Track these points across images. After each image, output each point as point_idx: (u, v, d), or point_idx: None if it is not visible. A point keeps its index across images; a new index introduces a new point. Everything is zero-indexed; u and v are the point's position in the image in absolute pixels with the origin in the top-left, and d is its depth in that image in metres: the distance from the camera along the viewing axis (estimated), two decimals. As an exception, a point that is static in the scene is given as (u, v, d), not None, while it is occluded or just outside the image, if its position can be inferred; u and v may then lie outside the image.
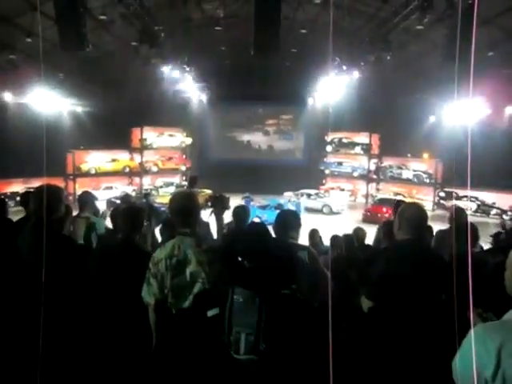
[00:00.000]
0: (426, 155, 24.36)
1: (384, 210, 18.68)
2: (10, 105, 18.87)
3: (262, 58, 14.22)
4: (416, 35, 14.90)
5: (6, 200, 4.92)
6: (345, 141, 26.85)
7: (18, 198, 17.81)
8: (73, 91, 19.98)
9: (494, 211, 21.07)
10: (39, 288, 2.39)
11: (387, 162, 25.42)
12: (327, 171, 27.06)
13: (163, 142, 26.57)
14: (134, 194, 21.33)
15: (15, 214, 4.72)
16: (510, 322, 1.29)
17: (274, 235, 3.05)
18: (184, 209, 2.60)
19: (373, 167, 25.88)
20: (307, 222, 3.41)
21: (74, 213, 4.61)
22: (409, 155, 24.74)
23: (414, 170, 24.31)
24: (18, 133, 17.79)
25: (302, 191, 23.08)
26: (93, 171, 23.99)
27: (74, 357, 2.55)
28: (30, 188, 15.56)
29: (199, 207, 2.73)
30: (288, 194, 22.85)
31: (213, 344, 2.39)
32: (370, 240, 5.57)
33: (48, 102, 20.52)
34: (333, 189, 26.30)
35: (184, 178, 26.96)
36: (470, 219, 14.95)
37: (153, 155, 26.45)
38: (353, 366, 2.46)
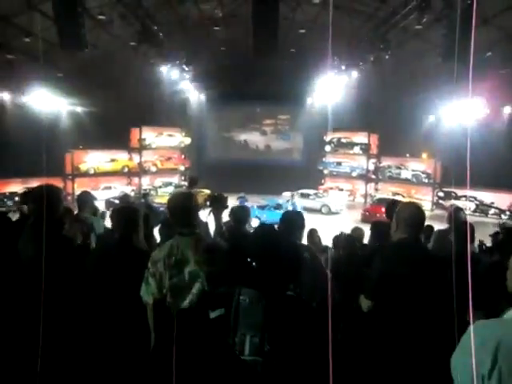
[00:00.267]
0: (424, 155, 24.38)
1: (383, 209, 18.52)
2: (8, 105, 18.84)
3: (260, 57, 14.25)
4: (415, 35, 14.94)
5: (5, 200, 4.90)
6: (343, 141, 26.86)
7: (17, 198, 17.94)
8: (71, 91, 19.97)
9: (492, 211, 21.12)
10: (38, 288, 2.40)
11: (386, 161, 25.44)
12: (326, 171, 27.08)
13: (162, 142, 26.56)
14: (132, 194, 21.33)
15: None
16: (509, 320, 1.29)
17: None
18: (183, 208, 2.60)
19: (371, 167, 25.90)
20: (306, 222, 3.42)
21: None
22: (407, 155, 24.76)
23: (413, 170, 24.33)
24: (16, 133, 17.78)
25: (301, 191, 23.08)
26: (92, 171, 23.97)
27: (72, 357, 2.55)
28: (28, 188, 15.57)
29: (198, 207, 2.74)
30: (287, 194, 22.85)
31: (213, 345, 2.39)
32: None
33: (47, 101, 20.51)
34: (331, 189, 26.31)
35: (183, 178, 26.96)
36: (469, 219, 14.98)
37: (152, 155, 26.44)
38: (352, 366, 2.47)
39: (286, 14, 16.16)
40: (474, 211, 21.24)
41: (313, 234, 6.13)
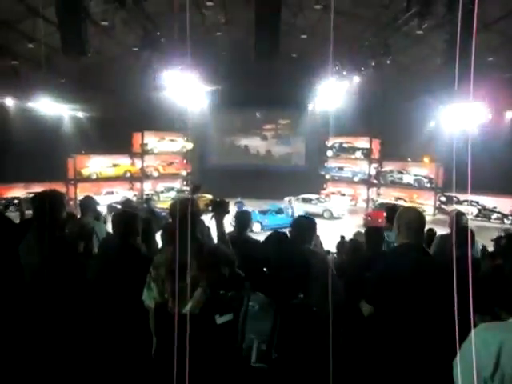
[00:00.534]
0: (426, 160, 24.35)
1: (385, 214, 18.63)
2: (11, 110, 18.93)
3: (262, 63, 14.29)
4: (416, 40, 14.97)
5: (8, 204, 4.93)
6: (345, 146, 26.88)
7: (16, 201, 17.93)
8: (74, 96, 20.06)
9: (494, 215, 21.06)
10: (40, 292, 2.40)
11: (388, 166, 25.43)
12: (328, 176, 27.08)
13: (164, 147, 26.62)
14: (135, 198, 21.35)
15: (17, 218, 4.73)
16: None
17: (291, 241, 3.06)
18: (185, 214, 2.61)
19: (373, 172, 25.89)
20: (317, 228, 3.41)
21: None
22: (409, 160, 24.74)
23: (415, 175, 24.30)
24: (19, 138, 17.86)
25: (303, 196, 23.08)
26: (94, 176, 24.01)
27: (74, 361, 2.55)
28: (31, 193, 15.61)
29: (200, 212, 2.75)
30: (288, 199, 22.85)
31: (217, 350, 2.39)
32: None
33: (49, 107, 20.62)
34: (333, 193, 26.31)
35: (185, 183, 27.00)
36: (471, 223, 14.96)
37: (154, 160, 26.48)
38: (354, 371, 2.46)
39: (288, 20, 16.22)
40: (477, 216, 21.19)
41: (315, 239, 6.11)
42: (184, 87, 19.30)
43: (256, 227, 18.35)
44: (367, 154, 26.11)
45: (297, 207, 20.81)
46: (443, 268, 2.34)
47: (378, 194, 25.53)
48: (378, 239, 4.16)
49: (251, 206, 19.48)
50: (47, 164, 19.08)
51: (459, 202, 21.80)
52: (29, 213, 3.88)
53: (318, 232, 6.74)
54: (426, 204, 23.11)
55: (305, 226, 3.20)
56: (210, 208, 3.27)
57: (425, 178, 23.98)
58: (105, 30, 14.23)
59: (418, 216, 2.56)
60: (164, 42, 13.57)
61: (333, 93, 21.51)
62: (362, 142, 26.36)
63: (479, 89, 15.93)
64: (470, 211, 21.09)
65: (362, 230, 6.13)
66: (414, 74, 19.06)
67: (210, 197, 18.26)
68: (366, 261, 3.94)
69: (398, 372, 2.27)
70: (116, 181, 24.70)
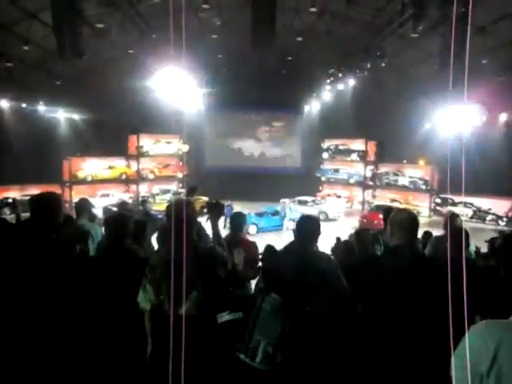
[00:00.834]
0: (421, 162, 24.46)
1: (380, 216, 18.66)
2: (7, 112, 18.86)
3: (257, 65, 14.34)
4: (411, 43, 15.07)
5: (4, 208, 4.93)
6: (341, 148, 26.97)
7: (10, 200, 17.76)
8: (69, 98, 20.02)
9: (489, 217, 21.17)
10: (37, 295, 2.40)
11: (383, 168, 25.52)
12: (324, 178, 27.15)
13: (160, 149, 26.58)
14: (130, 201, 21.29)
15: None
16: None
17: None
18: (181, 215, 2.62)
19: (369, 174, 25.97)
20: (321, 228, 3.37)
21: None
22: (405, 162, 24.85)
23: (410, 177, 24.40)
24: (14, 140, 17.80)
25: (299, 198, 23.11)
26: (89, 178, 23.92)
27: (70, 362, 2.54)
28: (26, 195, 15.55)
29: (196, 214, 2.76)
30: (285, 201, 22.88)
31: (214, 350, 2.39)
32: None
33: (44, 109, 20.56)
34: (329, 195, 26.36)
35: (181, 185, 26.97)
36: (466, 225, 15.01)
37: (149, 162, 26.44)
38: (350, 374, 2.47)
39: (284, 22, 16.29)
40: (472, 217, 21.30)
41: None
42: (180, 90, 19.28)
43: (252, 229, 18.35)
44: (363, 156, 26.20)
45: (292, 209, 20.83)
46: (437, 269, 2.35)
47: (374, 196, 25.61)
48: (368, 241, 4.18)
49: (247, 208, 19.50)
50: (42, 166, 19.04)
51: (454, 204, 21.91)
52: (24, 215, 3.88)
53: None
54: (422, 206, 23.21)
55: (311, 226, 3.17)
56: (205, 210, 3.28)
57: (420, 179, 24.08)
58: (100, 32, 14.23)
59: (410, 217, 2.57)
60: (159, 45, 13.57)
61: (328, 95, 21.61)
62: (358, 144, 26.45)
63: (473, 91, 16.04)
64: (465, 213, 21.20)
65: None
66: (409, 76, 19.18)
67: (205, 199, 18.28)
68: (358, 263, 3.96)
69: (396, 374, 2.28)
70: (112, 183, 24.61)
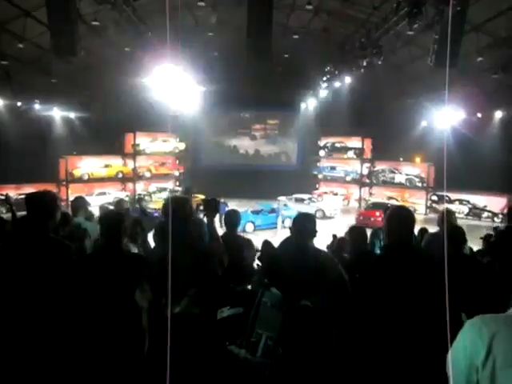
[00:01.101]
0: (418, 159, 24.57)
1: (377, 213, 18.79)
2: (1, 110, 18.77)
3: (254, 63, 14.29)
4: (407, 40, 15.10)
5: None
6: (337, 145, 27.04)
7: (1, 197, 17.63)
8: (65, 96, 19.94)
9: (485, 214, 21.30)
10: (34, 294, 2.40)
11: (380, 166, 25.61)
12: (320, 176, 27.20)
13: (156, 148, 26.56)
14: (127, 199, 21.24)
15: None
16: (508, 316, 1.31)
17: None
18: (178, 212, 2.63)
19: (366, 171, 26.05)
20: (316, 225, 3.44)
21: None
22: (401, 159, 24.95)
23: (407, 174, 24.51)
24: (10, 138, 17.71)
25: (295, 196, 23.15)
26: (86, 177, 23.88)
27: (65, 361, 2.55)
28: (22, 194, 15.49)
29: (192, 211, 2.77)
30: (282, 199, 22.91)
31: (213, 348, 2.40)
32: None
33: (40, 107, 20.47)
34: (326, 193, 26.43)
35: (177, 184, 26.96)
36: (462, 222, 15.11)
37: (146, 161, 26.42)
38: (347, 371, 2.49)
39: (280, 20, 16.29)
40: (467, 215, 21.42)
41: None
42: (176, 87, 19.27)
43: (249, 227, 18.37)
44: (359, 153, 26.28)
45: (289, 207, 20.86)
46: (433, 265, 2.37)
47: (371, 194, 25.70)
48: (361, 237, 4.21)
49: (244, 206, 19.53)
50: (38, 165, 18.97)
51: (450, 201, 22.03)
52: (20, 214, 3.88)
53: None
54: (418, 203, 23.32)
55: (307, 223, 3.23)
56: (201, 207, 3.30)
57: (416, 177, 24.20)
58: (96, 30, 14.19)
59: (407, 214, 2.59)
60: (156, 43, 13.54)
61: (325, 93, 21.62)
62: (354, 142, 26.52)
63: (469, 89, 16.11)
64: (461, 210, 21.31)
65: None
66: (406, 73, 19.22)
67: (202, 197, 18.27)
68: (350, 258, 3.99)
69: (394, 370, 2.29)
70: (108, 181, 24.59)
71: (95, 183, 23.89)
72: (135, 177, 25.75)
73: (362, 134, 25.44)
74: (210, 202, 3.30)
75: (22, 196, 12.61)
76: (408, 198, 23.97)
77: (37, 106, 20.38)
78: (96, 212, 5.59)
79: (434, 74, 13.89)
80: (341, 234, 7.41)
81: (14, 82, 16.96)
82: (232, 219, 4.28)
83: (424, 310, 2.29)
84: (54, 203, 2.76)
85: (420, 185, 24.06)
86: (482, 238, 5.31)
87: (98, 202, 18.88)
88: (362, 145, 26.16)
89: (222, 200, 19.58)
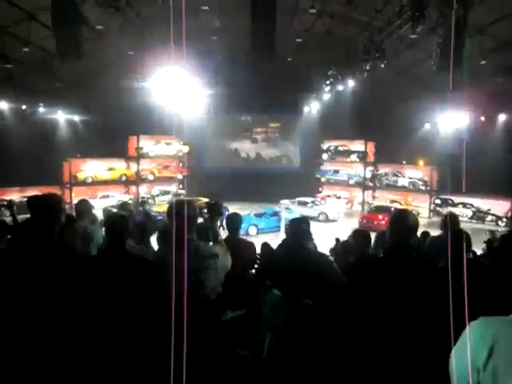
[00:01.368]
0: (421, 162, 24.53)
1: (380, 217, 18.78)
2: (6, 114, 18.88)
3: (257, 66, 14.37)
4: (410, 44, 15.10)
5: (2, 209, 4.92)
6: (340, 149, 27.03)
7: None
8: (69, 100, 20.04)
9: (489, 218, 21.21)
10: (40, 294, 2.42)
11: (383, 169, 25.57)
12: (323, 179, 27.20)
13: (160, 151, 26.60)
14: (130, 202, 21.30)
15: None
16: (511, 318, 1.31)
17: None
18: (182, 215, 2.64)
19: (369, 175, 26.02)
20: (310, 228, 3.50)
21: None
22: (404, 162, 24.91)
23: (410, 178, 24.45)
24: (14, 141, 17.81)
25: (298, 199, 23.16)
26: (89, 180, 23.94)
27: (68, 363, 2.56)
28: (26, 197, 15.54)
29: (197, 214, 2.78)
30: (285, 202, 22.92)
31: (216, 349, 2.41)
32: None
33: (44, 110, 20.58)
34: (329, 196, 26.40)
35: (180, 187, 27.02)
36: (466, 226, 15.07)
37: (149, 164, 26.47)
38: (347, 369, 2.49)
39: (283, 23, 16.32)
40: (471, 218, 21.34)
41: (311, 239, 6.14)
42: (179, 91, 19.35)
43: (252, 230, 18.38)
44: (362, 156, 26.24)
45: (292, 210, 20.86)
46: (435, 268, 2.37)
47: (374, 197, 25.65)
48: (365, 240, 4.21)
49: (247, 209, 19.54)
50: (42, 168, 19.06)
51: (454, 205, 21.97)
52: (23, 217, 3.90)
53: (314, 235, 6.79)
54: (421, 207, 23.25)
55: (302, 225, 3.29)
56: (205, 210, 3.33)
57: (420, 180, 24.14)
58: (100, 34, 14.26)
59: (409, 217, 2.60)
60: (159, 46, 13.60)
61: (328, 96, 21.65)
62: (358, 145, 26.50)
63: (472, 92, 16.08)
64: (465, 213, 21.25)
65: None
66: (409, 77, 19.21)
67: (205, 200, 18.30)
68: (355, 262, 3.98)
69: (395, 371, 2.29)
70: (111, 184, 24.64)
71: (99, 186, 23.96)
72: (138, 180, 25.81)
73: (365, 137, 25.42)
74: (214, 205, 3.32)
75: (26, 199, 12.65)
76: (411, 201, 23.91)
77: (41, 109, 20.50)
78: (99, 215, 5.62)
79: (437, 78, 13.88)
80: (344, 237, 7.40)
81: (18, 85, 17.04)
82: (233, 222, 4.29)
83: (425, 311, 2.29)
84: (59, 206, 2.77)
85: (423, 188, 24.00)
86: (485, 242, 5.30)
87: (101, 204, 18.99)
88: (365, 148, 26.14)
89: (224, 205, 19.60)
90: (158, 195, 25.59)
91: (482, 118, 19.03)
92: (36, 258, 2.49)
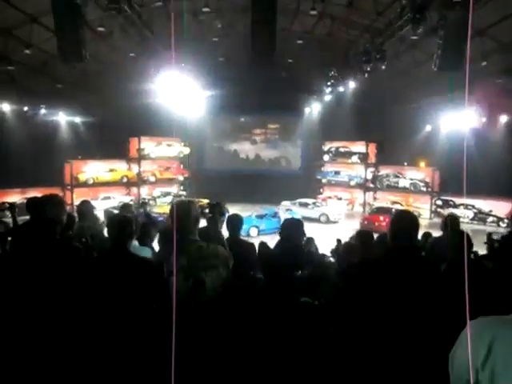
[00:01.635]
0: (422, 164, 24.52)
1: (381, 218, 18.76)
2: (8, 115, 18.93)
3: (258, 68, 14.38)
4: (411, 45, 15.12)
5: (5, 211, 4.92)
6: (342, 150, 27.04)
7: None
8: (71, 101, 20.08)
9: (490, 219, 21.17)
10: (45, 293, 2.43)
11: (384, 170, 25.56)
12: (324, 180, 27.20)
13: (161, 152, 26.64)
14: (132, 203, 21.32)
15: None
16: (511, 318, 1.32)
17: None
18: (184, 216, 2.65)
19: (370, 176, 26.02)
20: (304, 228, 3.54)
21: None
22: (405, 164, 24.90)
23: (411, 179, 24.44)
24: (15, 143, 17.86)
25: (299, 200, 23.16)
26: (91, 181, 23.98)
27: (71, 362, 2.57)
28: (27, 198, 15.57)
29: (199, 215, 2.80)
30: (286, 204, 22.94)
31: (216, 349, 2.42)
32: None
33: (46, 112, 20.63)
34: (330, 198, 26.41)
35: (181, 188, 27.05)
36: (467, 227, 15.06)
37: (150, 165, 26.51)
38: (342, 370, 2.49)
39: (284, 25, 16.35)
40: (473, 219, 21.31)
41: (310, 242, 6.16)
42: (180, 92, 19.38)
43: (253, 232, 18.38)
44: (363, 158, 26.24)
45: (293, 212, 20.86)
46: (435, 269, 2.38)
47: (375, 198, 25.64)
48: (370, 241, 4.21)
49: (247, 210, 19.53)
50: (44, 169, 19.09)
51: (455, 206, 21.95)
52: (21, 219, 3.92)
53: (315, 236, 6.81)
54: (423, 208, 23.24)
55: (293, 225, 3.34)
56: (207, 211, 3.34)
57: (421, 181, 24.12)
58: (102, 36, 14.30)
59: (409, 218, 2.60)
60: (160, 48, 13.63)
61: (329, 97, 21.67)
62: (359, 147, 26.51)
63: (473, 93, 16.08)
64: (466, 215, 21.22)
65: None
66: (410, 78, 19.21)
67: (206, 201, 18.31)
68: (360, 263, 3.98)
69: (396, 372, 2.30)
70: (113, 186, 24.68)
71: (100, 187, 23.99)
72: (140, 181, 25.84)
73: (366, 138, 25.42)
74: (216, 205, 3.34)
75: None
76: (412, 202, 23.90)
77: (42, 111, 20.54)
78: (101, 216, 5.64)
79: (438, 79, 13.90)
80: (345, 238, 7.40)
81: (19, 87, 17.09)
82: (234, 223, 4.30)
83: (425, 312, 2.30)
84: (60, 205, 2.79)
85: (424, 189, 23.99)
86: (485, 243, 5.30)
87: (102, 206, 19.02)
88: (366, 149, 26.14)
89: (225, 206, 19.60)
90: (159, 196, 25.61)
91: (484, 120, 19.02)
92: (40, 257, 2.50)
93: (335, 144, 27.08)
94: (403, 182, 24.61)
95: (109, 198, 22.88)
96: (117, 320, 2.71)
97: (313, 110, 26.16)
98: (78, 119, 22.82)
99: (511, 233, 4.59)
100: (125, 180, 25.37)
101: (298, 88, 23.32)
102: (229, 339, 2.42)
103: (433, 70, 9.65)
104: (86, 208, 4.92)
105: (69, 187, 23.13)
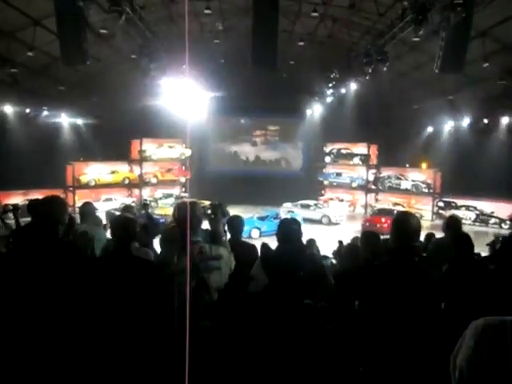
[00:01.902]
0: (424, 165, 24.49)
1: (383, 220, 18.73)
2: (10, 117, 18.98)
3: (259, 70, 14.38)
4: (413, 47, 15.12)
5: (8, 213, 4.94)
6: (343, 151, 27.02)
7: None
8: (73, 103, 20.13)
9: (492, 220, 21.13)
10: (46, 294, 2.43)
11: (386, 172, 25.53)
12: (326, 182, 27.19)
13: (163, 154, 26.64)
14: (133, 205, 21.33)
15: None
16: (510, 319, 1.32)
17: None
18: (192, 217, 2.66)
19: (371, 177, 25.99)
20: (305, 233, 3.52)
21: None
22: (407, 165, 24.87)
23: (413, 180, 24.40)
24: (18, 145, 17.90)
25: (301, 202, 23.15)
26: (92, 183, 24.02)
27: (72, 364, 2.57)
28: (32, 200, 15.60)
29: (202, 216, 2.81)
30: (287, 205, 22.94)
31: (219, 350, 2.43)
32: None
33: (48, 114, 20.69)
34: (332, 199, 26.39)
35: (183, 190, 27.05)
36: (469, 229, 15.03)
37: (152, 167, 26.53)
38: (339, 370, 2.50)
39: (286, 27, 16.39)
40: (475, 221, 21.27)
41: (311, 244, 6.17)
42: (182, 94, 19.41)
43: (255, 233, 18.37)
44: (365, 159, 26.23)
45: (295, 213, 20.85)
46: (436, 270, 2.38)
47: (376, 200, 25.62)
48: (374, 243, 4.19)
49: (249, 212, 19.54)
50: (46, 171, 19.12)
51: (457, 207, 21.91)
52: (24, 220, 3.93)
53: (317, 238, 6.81)
54: (424, 209, 23.21)
55: (289, 226, 3.33)
56: (209, 211, 3.34)
57: (423, 183, 24.09)
58: (104, 38, 14.34)
59: (411, 220, 2.60)
60: (162, 50, 13.67)
61: (330, 99, 21.68)
62: (360, 148, 26.49)
63: (474, 95, 16.06)
64: (468, 216, 21.18)
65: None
66: (411, 80, 19.22)
67: (207, 203, 18.29)
68: (362, 264, 3.98)
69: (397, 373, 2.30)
70: (114, 187, 24.71)
71: (102, 189, 24.02)
72: (141, 183, 25.86)
73: (368, 140, 25.41)
74: (217, 206, 3.34)
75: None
76: (414, 204, 23.86)
77: (45, 113, 20.59)
78: (103, 218, 5.64)
79: (440, 80, 13.90)
80: (347, 240, 7.40)
81: (22, 89, 17.14)
82: (235, 225, 4.30)
83: (427, 312, 2.30)
84: (62, 207, 2.79)
85: (426, 191, 23.95)
86: (488, 245, 5.29)
87: (104, 207, 19.00)
88: (368, 151, 26.12)
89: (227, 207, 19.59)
90: (160, 198, 25.63)
91: (485, 121, 19.00)
92: (42, 258, 2.51)
93: (337, 145, 27.07)
94: (405, 184, 24.57)
95: (110, 199, 22.91)
96: (119, 321, 2.71)
97: (314, 111, 26.15)
98: (79, 121, 22.86)
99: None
100: (126, 182, 25.40)
101: (299, 90, 23.31)
102: (232, 340, 2.42)
103: (434, 72, 9.65)
104: (87, 210, 4.92)
105: (71, 189, 23.16)
